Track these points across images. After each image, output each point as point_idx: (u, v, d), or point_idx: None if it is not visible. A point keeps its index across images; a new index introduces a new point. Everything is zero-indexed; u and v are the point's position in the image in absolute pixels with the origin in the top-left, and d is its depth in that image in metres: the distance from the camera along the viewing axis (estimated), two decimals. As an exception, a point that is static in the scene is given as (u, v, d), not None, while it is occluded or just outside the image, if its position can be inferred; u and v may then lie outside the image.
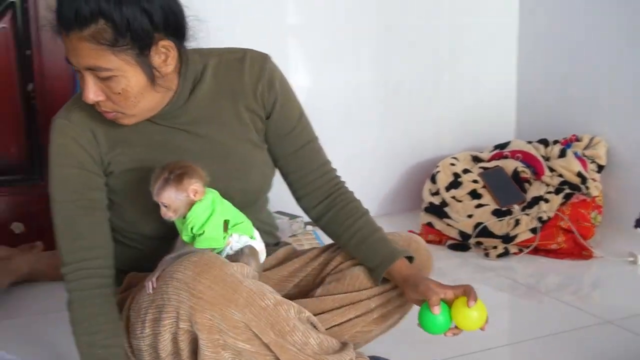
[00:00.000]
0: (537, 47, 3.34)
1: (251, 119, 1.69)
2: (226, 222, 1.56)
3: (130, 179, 1.61)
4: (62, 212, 1.59)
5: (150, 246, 1.64)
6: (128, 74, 1.49)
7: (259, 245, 1.63)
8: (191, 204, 1.52)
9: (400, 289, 1.68)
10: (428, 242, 2.80)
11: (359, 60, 3.11)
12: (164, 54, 1.52)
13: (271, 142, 1.73)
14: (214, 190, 1.56)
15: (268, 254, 1.73)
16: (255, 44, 1.72)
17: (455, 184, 2.90)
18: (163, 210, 1.52)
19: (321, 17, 3.00)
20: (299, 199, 1.77)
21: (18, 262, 2.42)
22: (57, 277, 2.42)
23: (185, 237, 1.55)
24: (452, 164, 2.98)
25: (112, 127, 1.61)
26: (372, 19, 3.10)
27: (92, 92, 1.49)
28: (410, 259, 1.68)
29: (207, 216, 1.52)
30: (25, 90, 2.65)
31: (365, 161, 3.15)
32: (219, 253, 1.57)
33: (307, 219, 2.82)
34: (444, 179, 2.93)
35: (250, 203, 1.72)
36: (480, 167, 2.99)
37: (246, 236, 1.60)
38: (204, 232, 1.52)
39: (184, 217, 1.53)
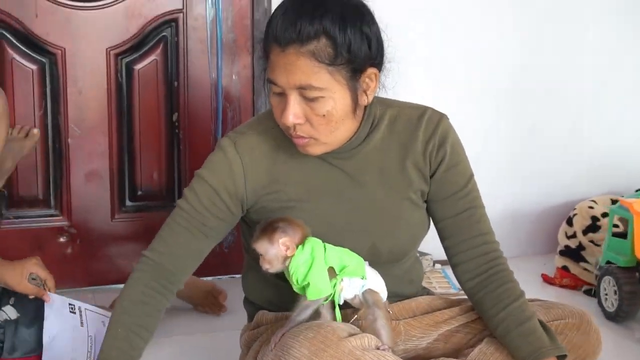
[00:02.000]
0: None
1: (416, 176, 1.67)
2: (332, 269, 1.55)
3: None
4: (175, 216, 1.64)
5: (283, 284, 1.64)
6: (336, 96, 1.50)
7: (376, 282, 1.60)
8: (284, 258, 1.55)
9: None
10: (562, 286, 2.75)
11: (494, 98, 3.08)
12: (366, 84, 1.54)
13: (432, 202, 1.69)
14: (315, 240, 1.56)
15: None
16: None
17: (593, 227, 2.81)
18: (261, 259, 1.57)
19: (455, 53, 2.99)
20: (453, 267, 1.71)
21: None
22: (190, 301, 2.52)
23: (294, 288, 1.57)
24: (591, 207, 2.88)
25: (278, 162, 1.63)
26: (508, 57, 3.06)
27: (293, 114, 1.50)
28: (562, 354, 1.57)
29: (308, 267, 1.53)
30: (170, 119, 2.77)
31: (498, 202, 3.09)
32: (334, 300, 1.56)
33: (436, 257, 2.81)
34: (581, 222, 2.84)
35: (397, 259, 1.72)
36: (621, 212, 2.88)
37: (357, 278, 1.58)
38: (309, 283, 1.53)
39: (288, 269, 1.56)
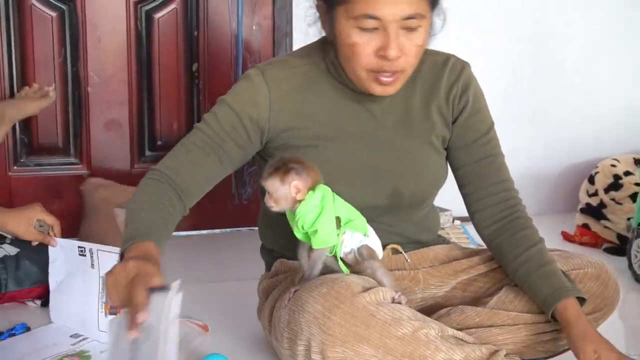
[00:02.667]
0: None
1: (439, 121, 1.67)
2: (338, 219, 1.53)
3: (304, 155, 1.58)
4: (191, 136, 1.59)
5: None
6: (426, 26, 1.52)
7: (374, 242, 1.59)
8: (293, 201, 1.52)
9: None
10: (582, 244, 2.74)
11: (516, 54, 3.03)
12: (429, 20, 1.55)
13: (453, 149, 1.69)
14: (325, 187, 1.54)
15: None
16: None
17: (615, 185, 2.78)
18: (267, 196, 1.53)
19: (477, 3, 2.94)
20: (472, 215, 1.71)
21: None
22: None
23: (296, 233, 1.55)
24: (613, 166, 2.85)
25: (307, 98, 1.61)
26: (527, 12, 3.00)
27: (398, 47, 1.48)
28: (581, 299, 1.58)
29: (317, 214, 1.51)
30: (190, 69, 2.74)
31: (520, 160, 3.06)
32: (335, 253, 1.56)
33: (455, 212, 2.79)
34: (602, 180, 2.82)
35: (417, 205, 1.71)
36: (644, 170, 2.85)
37: (359, 233, 1.56)
38: (316, 230, 1.51)
39: (294, 213, 1.53)
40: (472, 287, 1.72)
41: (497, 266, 1.72)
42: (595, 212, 2.77)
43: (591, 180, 2.86)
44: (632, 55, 3.15)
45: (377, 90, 1.55)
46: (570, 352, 1.64)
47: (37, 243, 2.00)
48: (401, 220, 1.67)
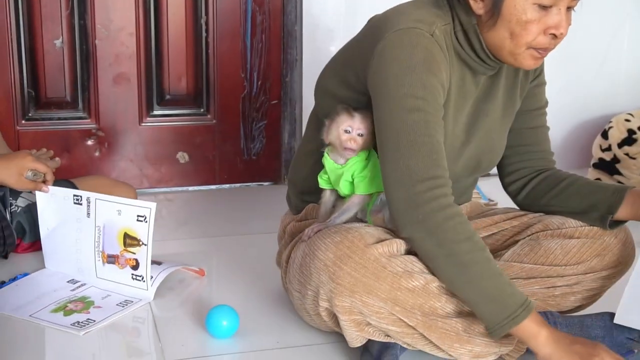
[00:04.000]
0: None
1: (519, 98, 1.72)
2: None
3: None
4: (415, 116, 1.44)
5: None
6: None
7: None
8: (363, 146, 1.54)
9: (593, 274, 1.62)
10: (595, 199, 2.72)
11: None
12: None
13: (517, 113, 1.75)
14: None
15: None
16: None
17: (629, 140, 2.75)
18: (353, 137, 1.50)
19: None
20: (507, 173, 1.77)
21: None
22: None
23: (344, 183, 1.55)
24: (627, 120, 2.82)
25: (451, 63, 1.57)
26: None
27: (567, 26, 1.53)
28: None
29: (367, 163, 1.53)
30: (198, 22, 2.71)
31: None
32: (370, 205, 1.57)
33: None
34: (616, 135, 2.79)
35: (481, 172, 1.74)
36: (659, 125, 2.82)
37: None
38: (367, 176, 1.51)
39: (344, 164, 1.54)
40: (489, 240, 1.72)
41: (517, 223, 1.72)
42: (609, 167, 2.76)
43: (604, 135, 2.83)
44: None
45: (530, 64, 1.55)
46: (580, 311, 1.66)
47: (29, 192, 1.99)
48: (454, 182, 1.60)
